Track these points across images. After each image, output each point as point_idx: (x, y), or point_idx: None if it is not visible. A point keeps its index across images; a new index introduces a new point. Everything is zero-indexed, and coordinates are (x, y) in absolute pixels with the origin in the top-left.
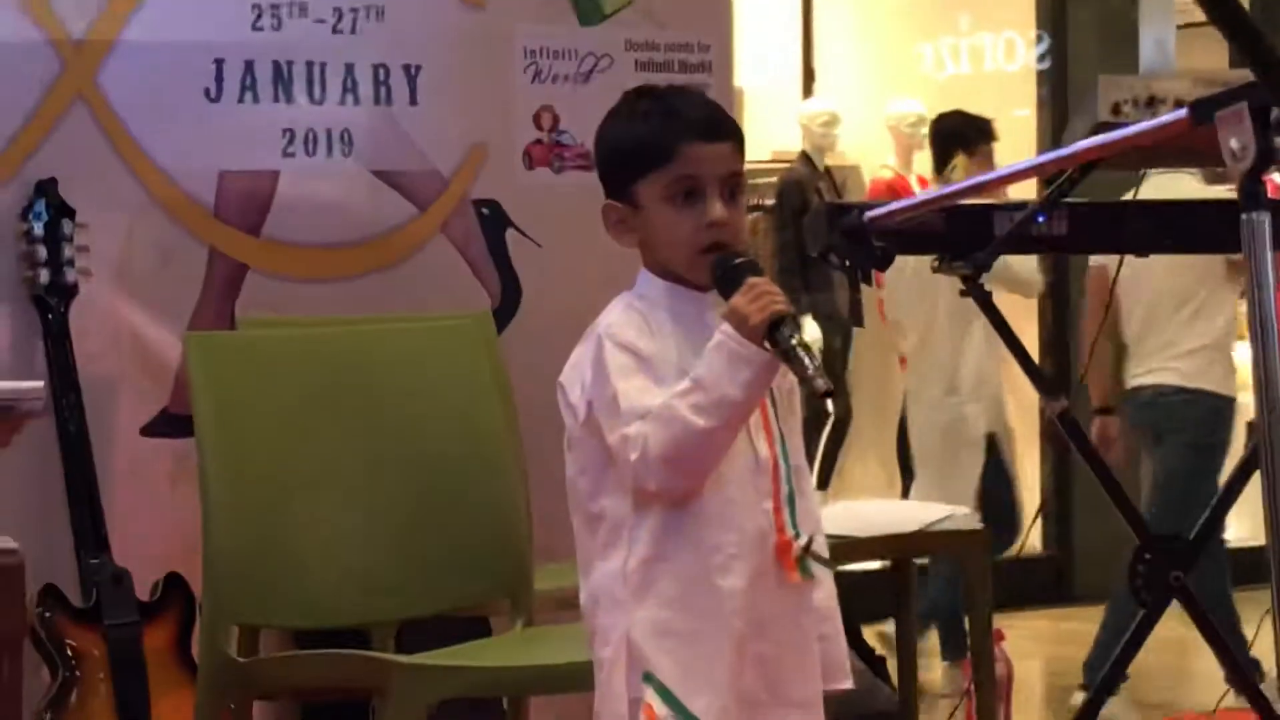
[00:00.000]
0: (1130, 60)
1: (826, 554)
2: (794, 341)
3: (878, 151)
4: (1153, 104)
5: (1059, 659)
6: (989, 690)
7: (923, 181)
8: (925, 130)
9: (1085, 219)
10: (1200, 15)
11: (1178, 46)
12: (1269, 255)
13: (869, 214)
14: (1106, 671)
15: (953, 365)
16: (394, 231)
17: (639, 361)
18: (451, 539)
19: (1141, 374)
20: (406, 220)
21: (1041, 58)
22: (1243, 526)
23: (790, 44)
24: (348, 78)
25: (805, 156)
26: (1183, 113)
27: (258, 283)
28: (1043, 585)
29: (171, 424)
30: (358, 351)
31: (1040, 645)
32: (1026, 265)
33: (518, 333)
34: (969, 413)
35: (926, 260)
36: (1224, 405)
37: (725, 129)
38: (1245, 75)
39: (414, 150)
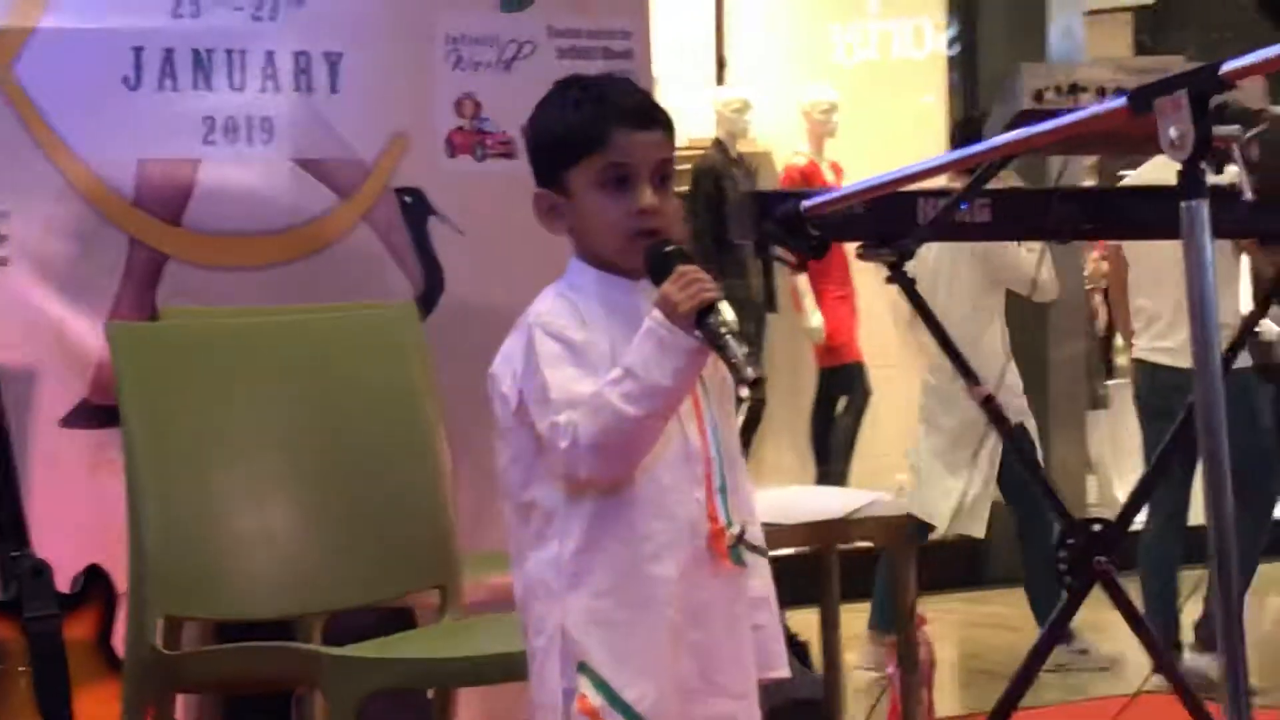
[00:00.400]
0: (1039, 47)
1: (762, 542)
2: (723, 329)
3: (789, 138)
4: (1075, 91)
5: (974, 641)
6: (912, 675)
7: (835, 168)
8: (837, 117)
9: (1009, 206)
10: (1107, 2)
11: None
12: (1209, 243)
13: (806, 203)
14: (1030, 656)
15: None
16: (315, 220)
17: (570, 350)
18: (379, 530)
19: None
20: (328, 209)
21: (951, 44)
22: None
23: (703, 31)
24: (268, 65)
25: (718, 143)
26: (1121, 101)
27: (178, 272)
28: (957, 569)
29: (91, 415)
30: (284, 341)
31: (955, 629)
32: (1029, 262)
33: (440, 321)
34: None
35: (946, 249)
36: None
37: (656, 116)
38: (1167, 62)
39: (335, 138)
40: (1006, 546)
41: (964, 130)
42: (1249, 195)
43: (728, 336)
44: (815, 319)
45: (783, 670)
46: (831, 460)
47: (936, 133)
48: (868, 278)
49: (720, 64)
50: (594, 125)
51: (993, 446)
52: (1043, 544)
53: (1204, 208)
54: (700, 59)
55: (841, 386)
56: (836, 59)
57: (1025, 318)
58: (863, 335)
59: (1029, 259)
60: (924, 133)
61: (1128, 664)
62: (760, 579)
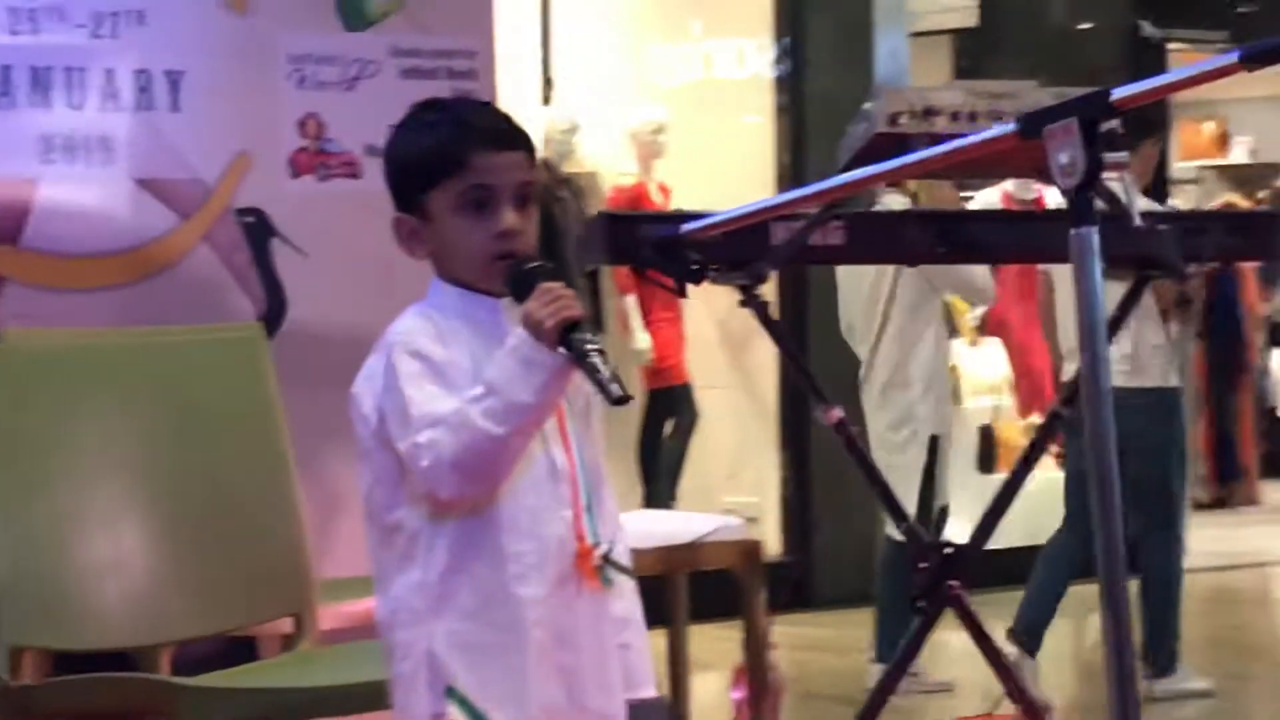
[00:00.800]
0: (865, 69)
1: (627, 562)
2: (589, 346)
3: (615, 159)
4: (930, 114)
5: (801, 665)
6: (764, 699)
7: (663, 189)
8: (664, 137)
9: (862, 230)
10: (929, 24)
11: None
12: (1097, 270)
13: (686, 227)
14: (885, 674)
15: (904, 365)
16: (156, 241)
17: (430, 368)
18: (231, 557)
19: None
20: (169, 229)
21: (775, 63)
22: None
23: (529, 52)
24: (108, 84)
25: (546, 164)
26: (1010, 127)
27: (17, 294)
28: (781, 593)
29: None
30: (132, 363)
31: (781, 653)
32: (980, 273)
33: (284, 343)
34: (919, 413)
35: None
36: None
37: (515, 138)
38: (1016, 87)
39: (176, 158)
40: (826, 569)
41: None
42: (1137, 221)
43: (594, 354)
44: (643, 341)
45: (650, 690)
46: (659, 482)
47: (763, 153)
48: (695, 299)
49: (547, 84)
50: (453, 147)
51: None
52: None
53: (1094, 234)
54: (526, 79)
55: (669, 408)
56: (660, 79)
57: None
58: (690, 357)
59: (980, 267)
60: (750, 153)
61: (964, 687)
62: (626, 599)
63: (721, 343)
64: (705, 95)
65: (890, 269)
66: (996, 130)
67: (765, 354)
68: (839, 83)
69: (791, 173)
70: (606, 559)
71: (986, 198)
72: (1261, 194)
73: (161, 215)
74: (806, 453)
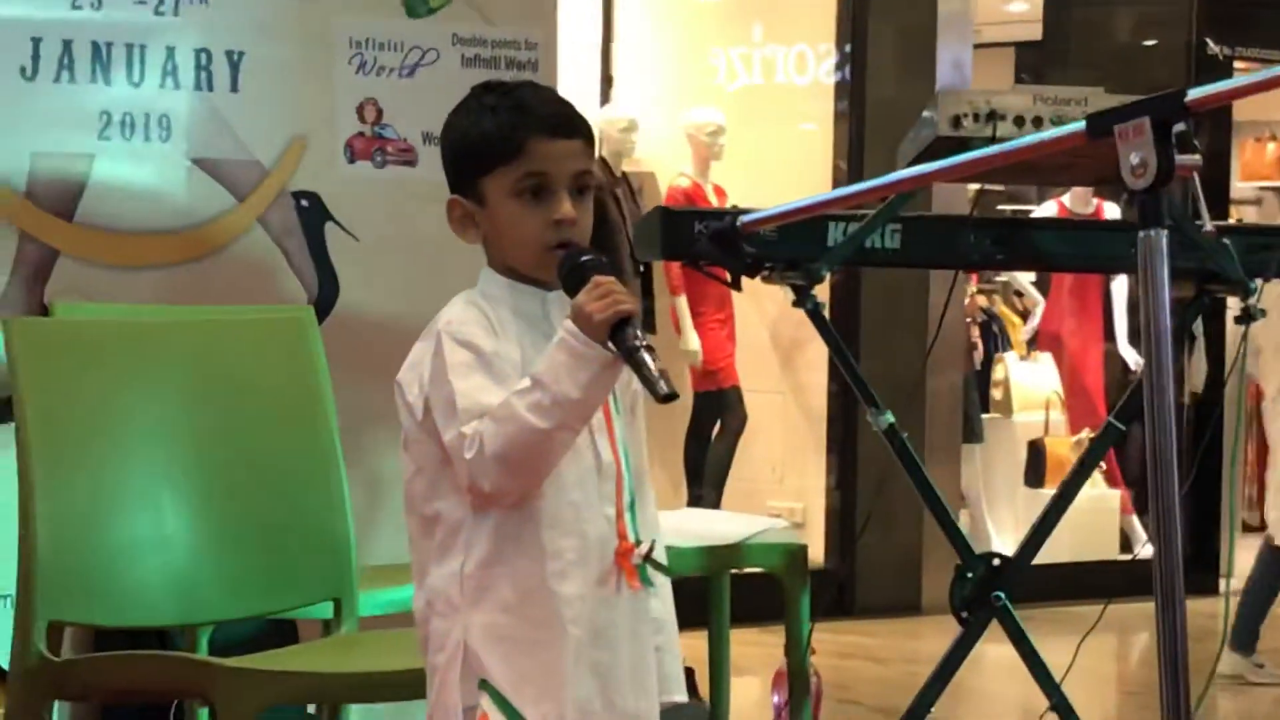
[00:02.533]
0: (928, 78)
1: (665, 561)
2: (638, 343)
3: (671, 159)
4: (993, 118)
5: (843, 672)
6: (802, 704)
7: (719, 191)
8: (723, 139)
9: (919, 233)
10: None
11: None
12: (1165, 273)
13: (743, 220)
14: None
15: None
16: (210, 221)
17: (478, 359)
18: (272, 539)
19: None
20: (223, 210)
21: (836, 70)
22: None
23: (590, 50)
24: (168, 61)
25: (603, 161)
26: (1079, 125)
27: (68, 268)
28: (822, 600)
29: None
30: (184, 342)
31: (822, 660)
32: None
33: (334, 328)
34: None
35: None
36: None
37: (575, 126)
38: (1084, 92)
39: (234, 139)
40: (870, 578)
41: None
42: (1209, 226)
43: (643, 351)
44: (693, 342)
45: (680, 695)
46: (704, 485)
47: (820, 160)
48: (746, 302)
49: (606, 83)
50: (511, 133)
51: None
52: None
53: (1163, 236)
54: (587, 76)
55: (717, 411)
56: (720, 82)
57: (903, 348)
58: (740, 360)
59: None
60: (807, 160)
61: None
62: (660, 600)
63: (771, 347)
64: (764, 100)
65: None
66: (1065, 129)
67: (815, 360)
68: (900, 91)
69: (848, 180)
70: (648, 558)
71: (1043, 212)
72: None
73: (216, 195)
74: (853, 460)
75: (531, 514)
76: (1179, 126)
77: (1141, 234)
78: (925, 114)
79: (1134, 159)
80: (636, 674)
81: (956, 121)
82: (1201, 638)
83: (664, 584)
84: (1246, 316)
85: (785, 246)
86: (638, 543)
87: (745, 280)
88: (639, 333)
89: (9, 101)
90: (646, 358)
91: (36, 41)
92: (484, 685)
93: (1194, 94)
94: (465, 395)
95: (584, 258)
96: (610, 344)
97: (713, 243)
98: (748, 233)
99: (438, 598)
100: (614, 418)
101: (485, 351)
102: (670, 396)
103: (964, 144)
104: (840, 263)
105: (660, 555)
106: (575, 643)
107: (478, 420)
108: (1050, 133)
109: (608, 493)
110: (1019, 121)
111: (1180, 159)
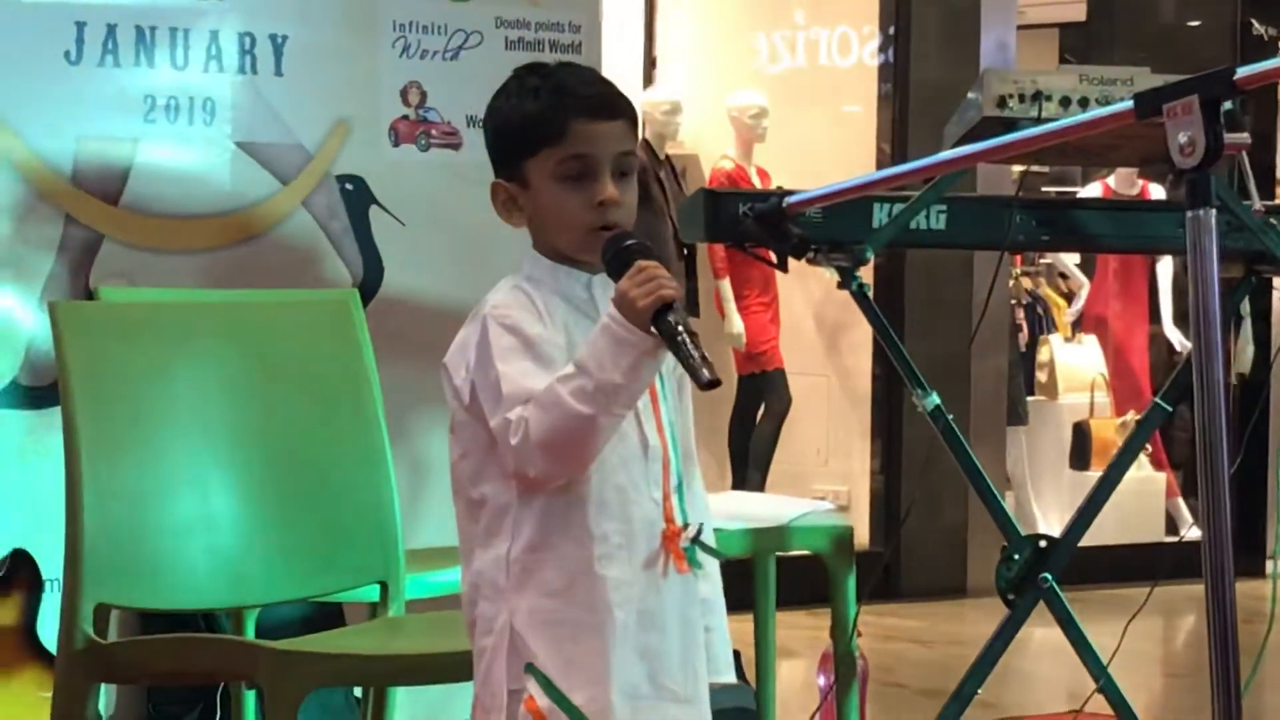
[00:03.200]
0: (972, 60)
1: (714, 543)
2: (680, 328)
3: (714, 141)
4: (1039, 98)
5: (888, 655)
6: (848, 687)
7: (762, 174)
8: (767, 122)
9: (964, 215)
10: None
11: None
12: (1214, 253)
13: (789, 200)
14: (973, 669)
15: None
16: (254, 205)
17: (524, 344)
18: (318, 521)
19: None
20: (268, 194)
21: (879, 52)
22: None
23: (633, 32)
24: (212, 45)
25: (646, 144)
26: (1126, 104)
27: (114, 252)
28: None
29: (21, 396)
30: (229, 325)
31: (866, 643)
32: None
33: (379, 311)
34: None
35: None
36: None
37: (618, 107)
38: (1131, 72)
39: (278, 122)
40: (915, 560)
41: None
42: (1258, 206)
43: (685, 336)
44: (737, 325)
45: (729, 675)
46: (749, 467)
47: (864, 142)
48: (790, 285)
49: (649, 65)
50: (554, 116)
51: None
52: None
53: (1212, 216)
54: (629, 58)
55: (762, 394)
56: (764, 65)
57: (947, 330)
58: (784, 343)
59: None
60: (851, 142)
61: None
62: (710, 582)
63: (816, 330)
64: (808, 82)
65: None
66: (1114, 108)
67: (859, 342)
68: (944, 73)
69: (892, 162)
70: (695, 541)
71: (1088, 193)
72: None
73: (261, 179)
74: (898, 442)
75: (578, 498)
76: (1227, 105)
77: (1190, 213)
78: (970, 95)
79: (1182, 138)
80: (686, 657)
81: (1002, 102)
82: (1249, 619)
83: (713, 566)
84: None
85: (830, 228)
86: (685, 525)
87: (790, 263)
88: (682, 317)
89: (54, 86)
90: (689, 343)
91: (80, 26)
92: (530, 669)
93: (1243, 72)
94: (511, 380)
95: (627, 242)
96: (653, 328)
97: (758, 224)
98: (793, 214)
99: (484, 581)
100: (660, 400)
101: (531, 336)
102: (712, 384)
103: (1009, 125)
104: (886, 244)
105: (709, 538)
106: (621, 627)
107: (522, 406)
108: (1097, 112)
109: (655, 475)
110: (1065, 102)
111: (1229, 137)
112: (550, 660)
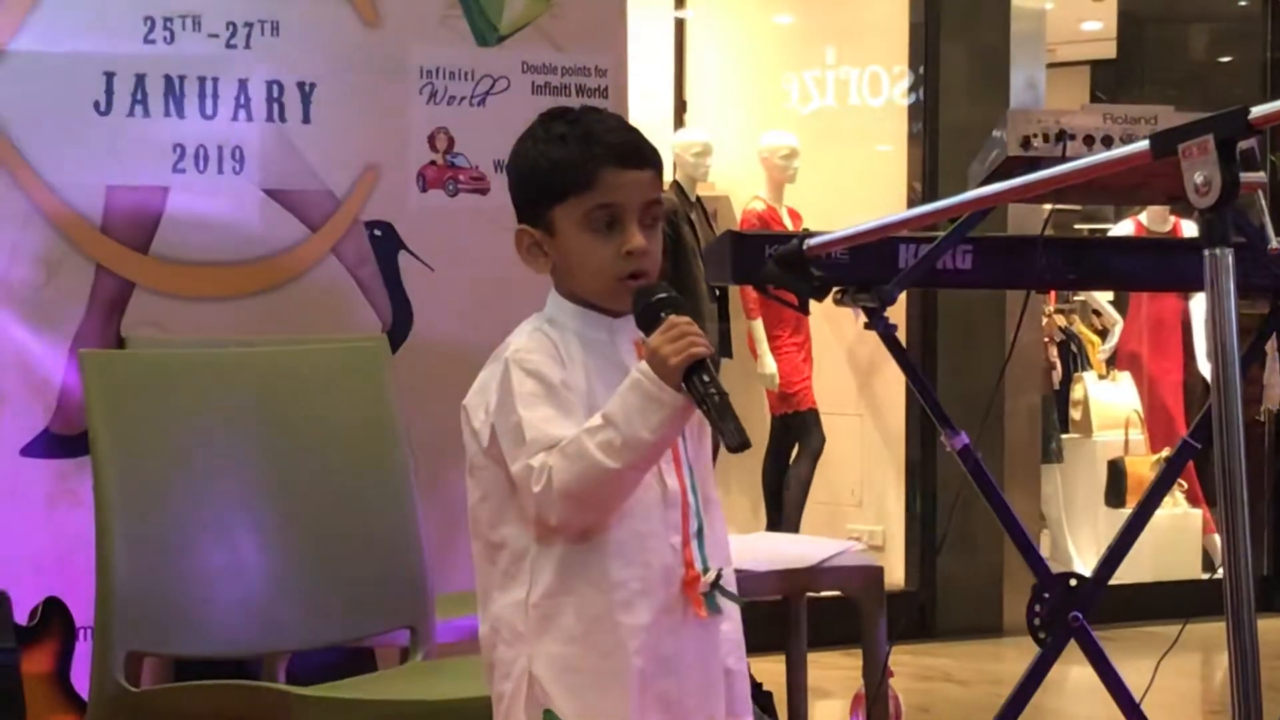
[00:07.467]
0: (1001, 98)
1: (734, 588)
2: (712, 390)
3: (745, 183)
4: (1063, 138)
5: (924, 694)
6: None
7: (793, 214)
8: (797, 163)
9: (990, 253)
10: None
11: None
12: (1231, 292)
13: (808, 243)
14: (1004, 708)
15: None
16: (284, 251)
17: (546, 389)
18: (347, 568)
19: None
20: (297, 240)
21: (909, 92)
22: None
23: (662, 74)
24: (241, 93)
25: (677, 186)
26: (1142, 145)
27: (144, 300)
28: (904, 621)
29: (53, 444)
30: (257, 372)
31: (902, 682)
32: None
33: (408, 357)
34: None
35: None
36: None
37: (646, 156)
38: (1155, 111)
39: (306, 169)
40: (951, 599)
41: None
42: (1275, 244)
43: (715, 397)
44: (770, 366)
45: (748, 717)
46: (784, 508)
47: (895, 182)
48: (822, 324)
49: (680, 107)
50: (583, 163)
51: None
52: None
53: (1229, 255)
54: (659, 100)
55: (795, 434)
56: (794, 106)
57: (980, 368)
58: (817, 383)
59: None
60: (882, 182)
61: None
62: (731, 623)
63: (849, 369)
64: (838, 122)
65: None
66: (1129, 149)
67: (893, 382)
68: (973, 112)
69: (923, 202)
70: (715, 585)
71: (1120, 230)
72: None
73: (290, 226)
74: (933, 481)
75: (597, 544)
76: (1244, 144)
77: (1207, 252)
78: (995, 134)
79: (1198, 177)
80: (704, 702)
81: (1026, 142)
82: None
83: (733, 608)
84: None
85: (856, 268)
86: (705, 571)
87: (825, 303)
88: (714, 376)
89: (84, 136)
90: (719, 405)
91: (110, 76)
92: (549, 715)
93: (1258, 111)
94: (533, 426)
95: (658, 295)
96: (684, 385)
97: (779, 266)
98: (816, 256)
99: (503, 625)
100: (680, 444)
101: (553, 382)
102: (741, 446)
103: (1034, 164)
104: (911, 284)
105: (729, 581)
106: (640, 673)
107: (545, 453)
108: (1115, 152)
109: (674, 521)
110: (1088, 141)
111: (1246, 176)
112: (568, 707)
